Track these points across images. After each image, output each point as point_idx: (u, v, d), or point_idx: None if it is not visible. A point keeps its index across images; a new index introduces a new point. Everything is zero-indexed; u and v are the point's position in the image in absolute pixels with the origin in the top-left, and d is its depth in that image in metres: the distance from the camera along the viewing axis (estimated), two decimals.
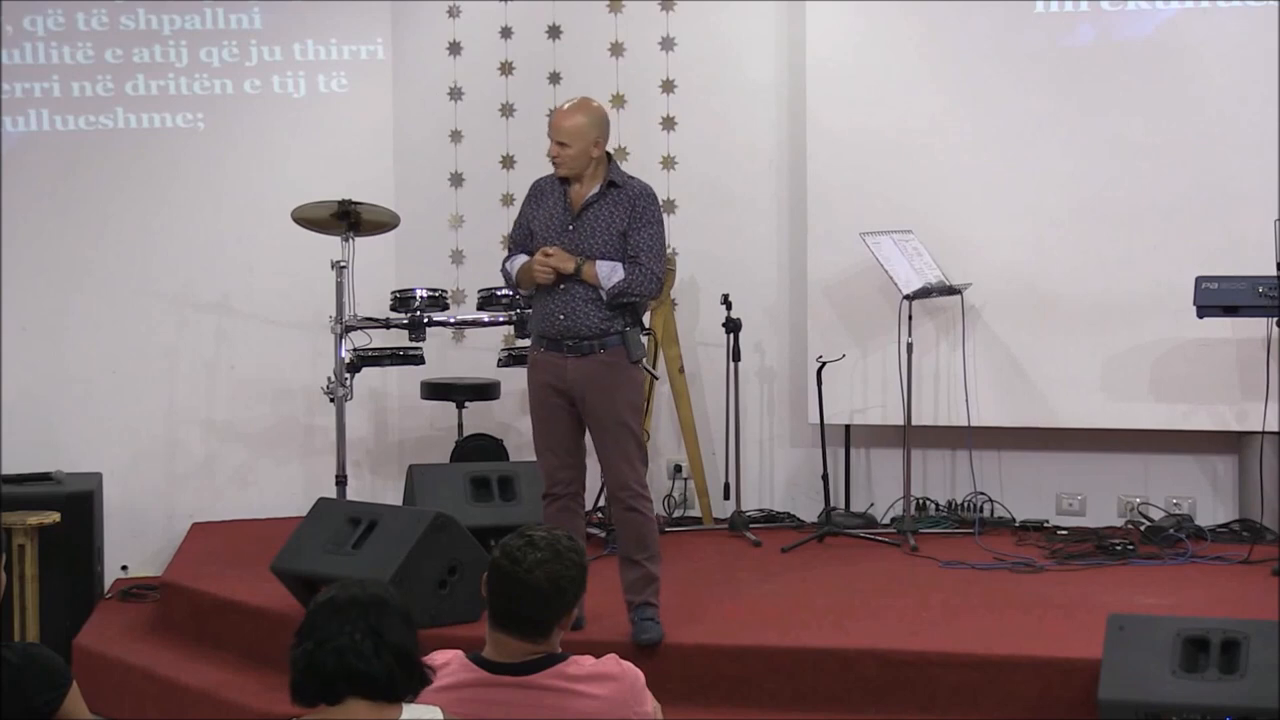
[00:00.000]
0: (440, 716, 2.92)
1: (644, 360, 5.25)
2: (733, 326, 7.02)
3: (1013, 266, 6.97)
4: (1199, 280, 6.22)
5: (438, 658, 3.20)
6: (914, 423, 6.83)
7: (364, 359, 6.77)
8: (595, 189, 5.16)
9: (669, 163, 7.54)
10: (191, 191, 7.60)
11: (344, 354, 6.66)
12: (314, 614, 2.87)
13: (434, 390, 7.36)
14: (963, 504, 7.18)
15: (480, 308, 7.01)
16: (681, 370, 7.26)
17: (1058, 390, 6.96)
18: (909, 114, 7.08)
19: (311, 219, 6.79)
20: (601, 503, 6.82)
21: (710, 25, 7.50)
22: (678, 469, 7.50)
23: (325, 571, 5.29)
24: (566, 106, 5.21)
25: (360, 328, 6.72)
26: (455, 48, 7.79)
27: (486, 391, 7.36)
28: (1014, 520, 7.05)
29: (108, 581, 7.20)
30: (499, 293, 6.87)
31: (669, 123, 7.55)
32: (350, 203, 6.71)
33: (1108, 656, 4.54)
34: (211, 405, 7.64)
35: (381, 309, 6.89)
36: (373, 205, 6.82)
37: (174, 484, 7.59)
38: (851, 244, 6.82)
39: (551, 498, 5.24)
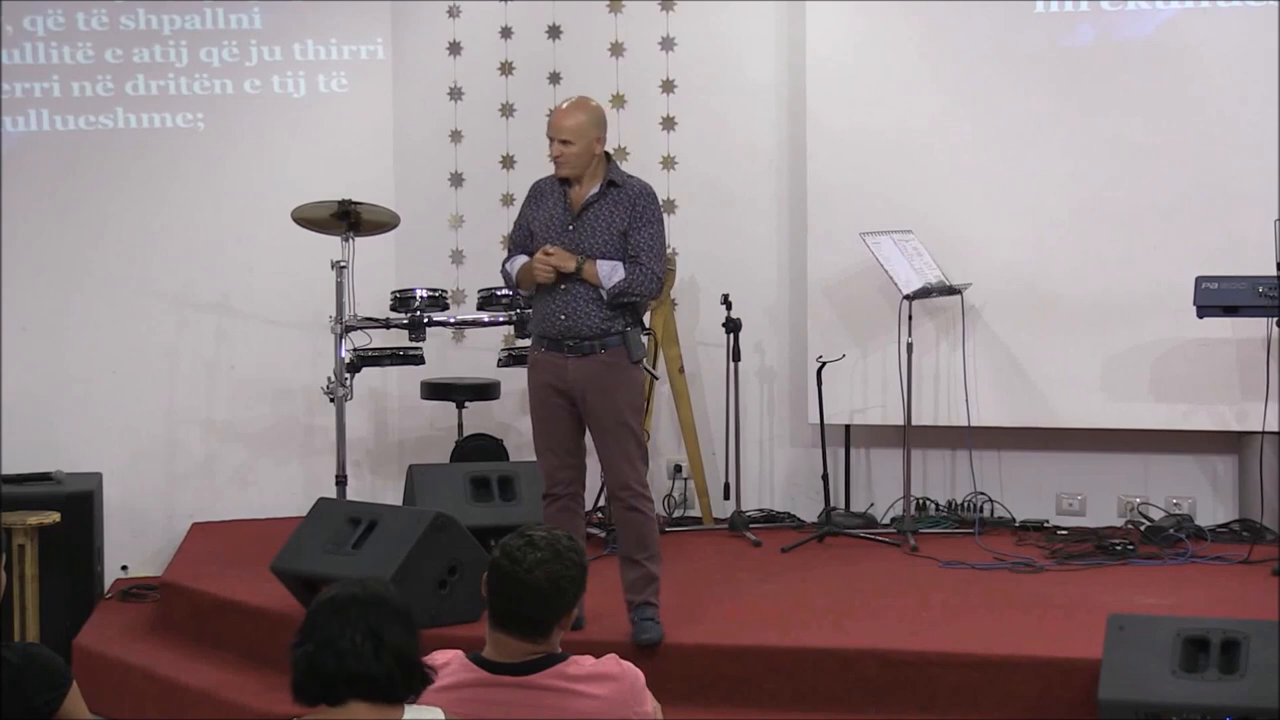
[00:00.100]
0: (442, 717, 2.92)
1: (644, 360, 5.26)
2: (733, 326, 7.02)
3: (1013, 266, 6.97)
4: (1199, 280, 6.22)
5: (438, 658, 3.20)
6: (914, 423, 6.83)
7: (364, 359, 6.77)
8: (595, 189, 5.16)
9: (669, 163, 7.54)
10: (191, 191, 7.61)
11: (344, 354, 6.66)
12: (315, 614, 2.86)
13: (434, 390, 7.36)
14: (963, 504, 7.18)
15: (480, 308, 7.01)
16: (681, 370, 7.26)
17: (1058, 390, 6.96)
18: (909, 114, 7.09)
19: (311, 219, 6.79)
20: (601, 503, 6.82)
21: (710, 25, 7.50)
22: (678, 469, 7.50)
23: (325, 571, 5.29)
24: (565, 106, 5.21)
25: (360, 328, 6.72)
26: (455, 48, 7.79)
27: (486, 391, 7.36)
28: (1014, 520, 7.05)
29: (108, 581, 7.20)
30: (499, 293, 6.87)
31: (669, 123, 7.55)
32: (350, 203, 6.71)
33: (1108, 656, 4.54)
34: (211, 405, 7.64)
35: (381, 309, 6.89)
36: (373, 205, 6.82)
37: (174, 484, 7.60)
38: (851, 244, 6.82)
39: (551, 498, 5.24)
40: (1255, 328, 6.53)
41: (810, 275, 7.24)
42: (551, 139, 5.17)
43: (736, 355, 7.04)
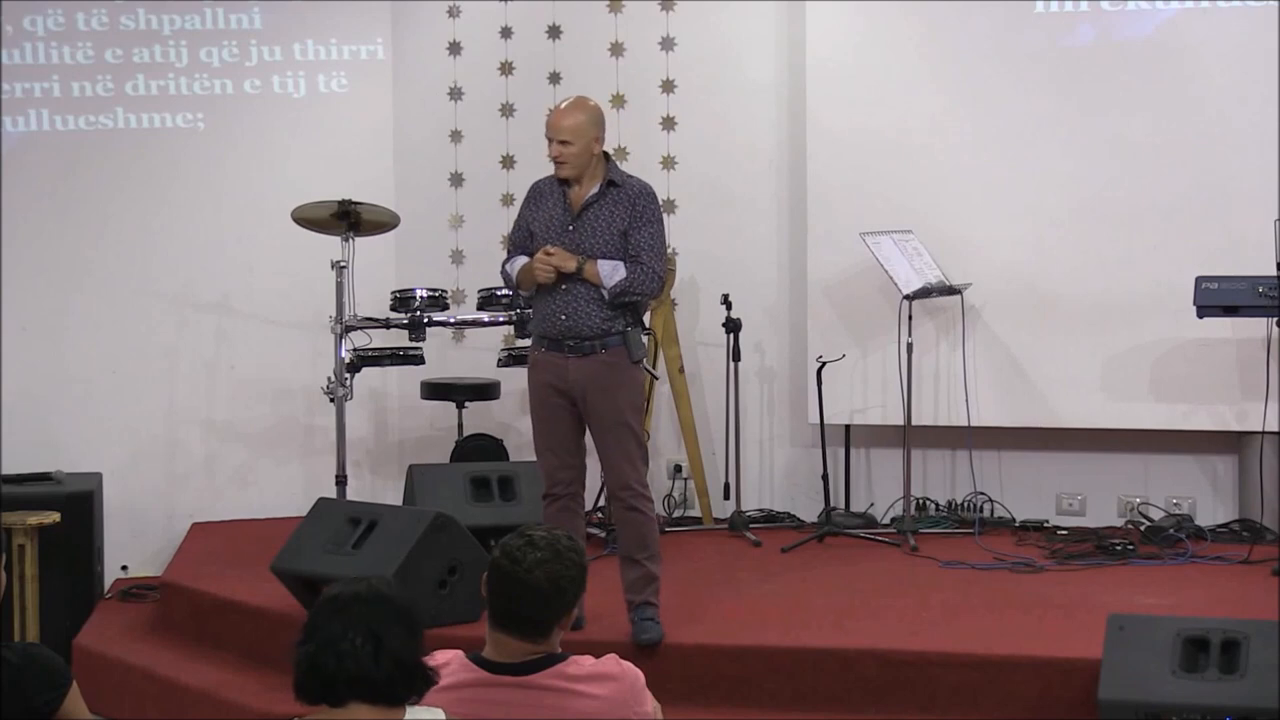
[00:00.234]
0: (443, 718, 2.92)
1: (644, 360, 5.26)
2: (733, 326, 7.02)
3: (1013, 266, 6.97)
4: (1199, 280, 6.22)
5: (438, 658, 3.19)
6: (914, 423, 6.83)
7: (364, 359, 6.77)
8: (595, 189, 5.16)
9: (669, 163, 7.54)
10: (191, 191, 7.60)
11: (344, 354, 6.66)
12: (318, 612, 2.86)
13: (434, 390, 7.36)
14: (963, 504, 7.17)
15: (480, 308, 7.01)
16: (681, 370, 7.26)
17: (1058, 390, 6.96)
18: (909, 114, 7.09)
19: (311, 219, 6.79)
20: (601, 503, 6.82)
21: (710, 25, 7.50)
22: (678, 469, 7.50)
23: (325, 571, 5.29)
24: (564, 106, 5.21)
25: (360, 328, 6.72)
26: (455, 48, 7.79)
27: (486, 391, 7.36)
28: (1014, 520, 7.05)
29: (108, 581, 7.20)
30: (499, 293, 6.87)
31: (669, 123, 7.55)
32: (350, 203, 6.71)
33: (1108, 656, 4.54)
34: (211, 405, 7.64)
35: (381, 309, 6.89)
36: (373, 205, 6.82)
37: (174, 484, 7.59)
38: (851, 244, 6.82)
39: (551, 498, 5.24)
40: (1255, 328, 6.53)
41: (810, 275, 7.24)
42: (550, 139, 5.16)
43: (736, 355, 7.04)
